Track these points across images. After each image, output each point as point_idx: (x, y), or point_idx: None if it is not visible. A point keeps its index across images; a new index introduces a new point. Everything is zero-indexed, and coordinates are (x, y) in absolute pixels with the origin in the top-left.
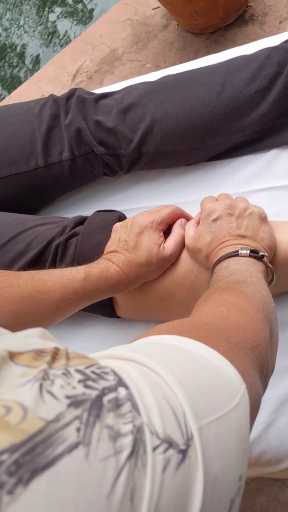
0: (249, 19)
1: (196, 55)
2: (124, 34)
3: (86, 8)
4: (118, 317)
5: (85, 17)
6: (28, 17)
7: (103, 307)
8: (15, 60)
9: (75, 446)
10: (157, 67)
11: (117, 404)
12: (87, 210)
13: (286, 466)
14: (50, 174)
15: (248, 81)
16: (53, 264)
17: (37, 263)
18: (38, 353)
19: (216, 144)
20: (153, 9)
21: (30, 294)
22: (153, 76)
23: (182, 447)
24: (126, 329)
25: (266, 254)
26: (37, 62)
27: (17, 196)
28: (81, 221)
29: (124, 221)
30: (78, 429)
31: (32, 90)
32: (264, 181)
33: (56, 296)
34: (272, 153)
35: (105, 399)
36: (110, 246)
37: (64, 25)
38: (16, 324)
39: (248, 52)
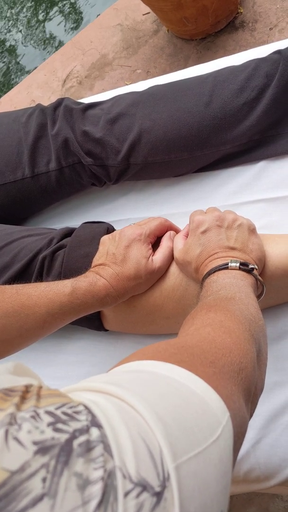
0: (240, 25)
1: (186, 61)
2: (114, 39)
3: (77, 12)
4: (106, 330)
5: (75, 22)
6: (23, 16)
7: (90, 321)
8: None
9: (39, 498)
10: (148, 73)
11: (87, 448)
12: (75, 220)
13: (275, 483)
14: (37, 185)
15: (236, 92)
16: (40, 277)
17: (23, 275)
18: (7, 393)
19: (204, 156)
20: (144, 14)
21: (15, 309)
22: (141, 85)
23: (157, 489)
24: (114, 342)
25: (256, 267)
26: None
27: (4, 207)
28: (68, 232)
29: (112, 233)
30: (44, 479)
31: (22, 94)
32: (253, 193)
33: (42, 311)
34: (260, 165)
35: (75, 442)
36: (97, 259)
37: (54, 30)
38: (0, 340)
39: (237, 61)
